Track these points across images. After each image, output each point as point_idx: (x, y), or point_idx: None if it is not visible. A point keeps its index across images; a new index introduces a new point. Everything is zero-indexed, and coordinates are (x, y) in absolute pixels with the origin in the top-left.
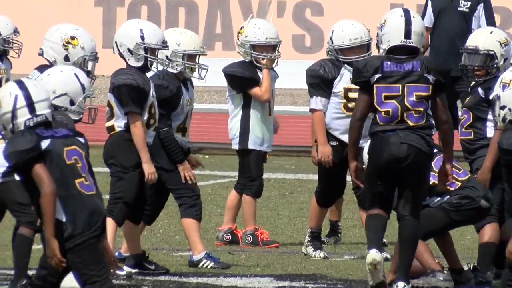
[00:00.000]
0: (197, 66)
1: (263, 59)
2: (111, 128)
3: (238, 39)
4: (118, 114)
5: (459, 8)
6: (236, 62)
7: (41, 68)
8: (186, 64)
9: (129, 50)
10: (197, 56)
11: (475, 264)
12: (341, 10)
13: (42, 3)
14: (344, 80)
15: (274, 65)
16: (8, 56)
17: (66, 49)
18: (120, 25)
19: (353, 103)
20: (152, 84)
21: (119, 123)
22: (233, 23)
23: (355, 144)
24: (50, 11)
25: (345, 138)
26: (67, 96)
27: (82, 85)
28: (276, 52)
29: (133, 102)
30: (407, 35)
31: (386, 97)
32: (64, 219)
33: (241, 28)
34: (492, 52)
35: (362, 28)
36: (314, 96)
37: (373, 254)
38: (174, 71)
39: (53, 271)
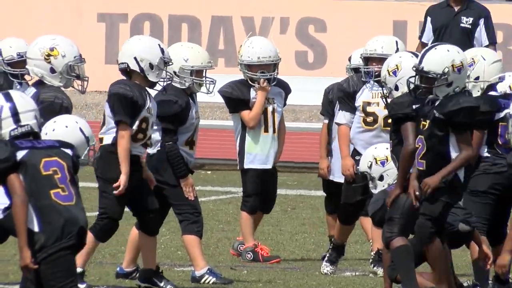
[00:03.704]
0: (205, 80)
1: (259, 78)
2: (101, 140)
3: (238, 58)
4: (109, 124)
5: (462, 25)
6: (230, 82)
7: (37, 84)
8: (194, 80)
9: (150, 64)
10: (205, 70)
11: (474, 280)
12: (344, 26)
13: (44, 19)
14: (365, 94)
15: (271, 84)
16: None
17: (49, 62)
18: (123, 41)
19: (371, 117)
20: (151, 102)
21: (108, 136)
22: (236, 40)
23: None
24: (52, 27)
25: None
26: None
27: (87, 138)
28: (275, 71)
29: (124, 111)
30: None
31: None
32: (37, 229)
33: (240, 46)
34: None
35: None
36: (340, 111)
37: None
38: (183, 87)
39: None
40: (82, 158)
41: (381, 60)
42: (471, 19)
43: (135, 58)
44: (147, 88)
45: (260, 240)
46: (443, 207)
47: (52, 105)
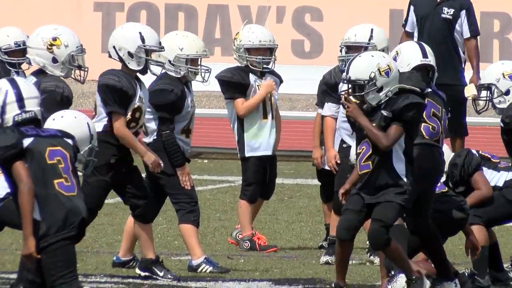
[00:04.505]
0: (200, 69)
1: (261, 62)
2: None
3: (234, 45)
4: (100, 114)
5: (443, 15)
6: (228, 68)
7: (37, 73)
8: (189, 69)
9: (129, 53)
10: (200, 59)
11: (472, 269)
12: (340, 15)
13: (42, 8)
14: (346, 84)
15: (270, 67)
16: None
17: (52, 52)
18: None
19: None
20: (142, 91)
21: (99, 124)
22: (232, 28)
23: None
24: (49, 17)
25: (352, 142)
26: None
27: (91, 136)
28: (273, 56)
29: (116, 102)
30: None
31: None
32: (39, 218)
33: (236, 34)
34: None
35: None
36: (326, 103)
37: None
38: (178, 75)
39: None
40: (81, 153)
41: (357, 48)
42: (452, 10)
43: (114, 47)
44: (141, 76)
45: (257, 229)
46: (398, 211)
47: (53, 94)
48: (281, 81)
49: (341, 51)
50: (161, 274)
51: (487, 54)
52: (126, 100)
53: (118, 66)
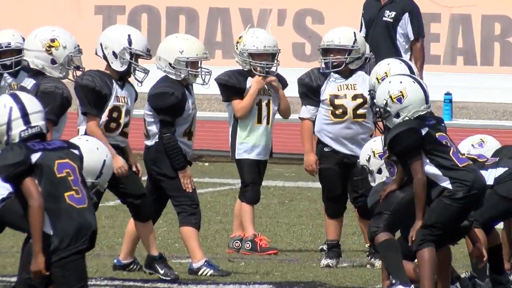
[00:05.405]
0: (200, 72)
1: (265, 67)
2: (78, 132)
3: (236, 48)
4: (81, 116)
5: (384, 18)
6: (227, 71)
7: (35, 75)
8: (189, 71)
9: (114, 53)
10: (200, 61)
11: (472, 272)
12: (341, 18)
13: (42, 11)
14: (330, 87)
15: (274, 72)
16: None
17: (50, 53)
18: None
19: (340, 110)
20: (124, 90)
21: (82, 127)
22: (233, 32)
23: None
24: (50, 20)
25: (336, 145)
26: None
27: (100, 174)
28: (275, 60)
29: (89, 102)
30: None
31: None
32: (51, 232)
33: (239, 38)
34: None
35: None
36: (304, 105)
37: None
38: (178, 78)
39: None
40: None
41: (339, 51)
42: (394, 13)
43: (101, 45)
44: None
45: (258, 231)
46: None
47: (53, 94)
48: (286, 85)
49: (322, 54)
50: (162, 272)
51: (488, 57)
52: (100, 100)
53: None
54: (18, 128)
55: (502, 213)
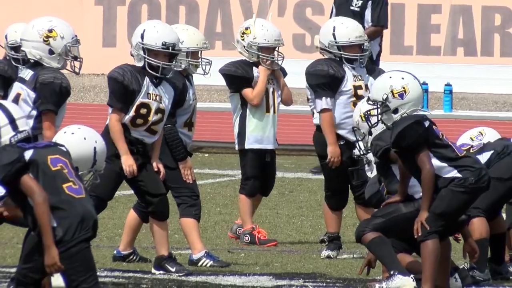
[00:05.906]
0: (200, 62)
1: (272, 60)
2: None
3: (242, 39)
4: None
5: (351, 7)
6: (232, 62)
7: (33, 66)
8: (190, 62)
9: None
10: (200, 51)
11: (471, 262)
12: None
13: (42, 3)
14: (350, 78)
15: (279, 65)
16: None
17: (48, 44)
18: (121, 24)
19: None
20: (158, 88)
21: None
22: (234, 22)
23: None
24: (50, 11)
25: (350, 137)
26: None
27: (95, 162)
28: (276, 53)
29: (114, 95)
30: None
31: None
32: (54, 224)
33: (246, 29)
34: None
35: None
36: (324, 97)
37: None
38: (179, 69)
39: (35, 268)
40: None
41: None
42: (360, 2)
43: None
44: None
45: (258, 223)
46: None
47: (52, 85)
48: (285, 74)
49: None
50: (173, 269)
51: (488, 48)
52: (127, 94)
53: (118, 59)
54: (7, 134)
55: (502, 195)
